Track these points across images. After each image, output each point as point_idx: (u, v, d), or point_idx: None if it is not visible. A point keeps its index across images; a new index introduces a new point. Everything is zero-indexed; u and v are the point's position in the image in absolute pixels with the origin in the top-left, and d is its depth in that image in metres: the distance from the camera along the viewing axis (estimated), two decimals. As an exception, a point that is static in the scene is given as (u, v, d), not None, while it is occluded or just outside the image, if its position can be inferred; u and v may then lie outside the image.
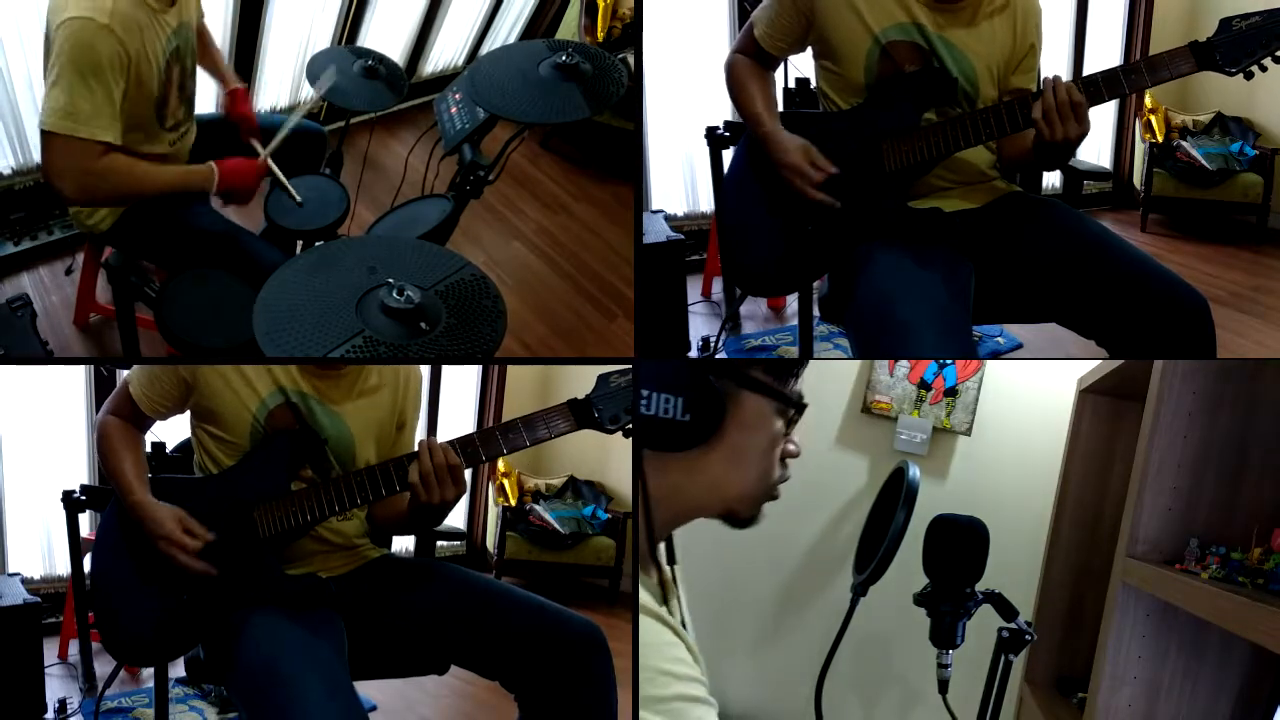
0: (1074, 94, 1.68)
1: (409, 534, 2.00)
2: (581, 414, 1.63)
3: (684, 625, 1.10)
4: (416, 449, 1.62)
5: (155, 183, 1.97)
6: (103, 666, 2.83)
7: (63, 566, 3.45)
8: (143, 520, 1.67)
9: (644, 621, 0.92)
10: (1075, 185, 2.50)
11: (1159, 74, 1.69)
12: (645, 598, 0.94)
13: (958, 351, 1.72)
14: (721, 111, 3.09)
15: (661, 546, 1.11)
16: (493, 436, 1.64)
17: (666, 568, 1.12)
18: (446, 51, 3.98)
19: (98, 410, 1.80)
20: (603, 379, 1.62)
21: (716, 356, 2.88)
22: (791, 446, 1.05)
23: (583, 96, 1.95)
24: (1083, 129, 1.70)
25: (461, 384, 4.47)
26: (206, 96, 2.31)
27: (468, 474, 1.68)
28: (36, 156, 2.85)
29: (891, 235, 1.81)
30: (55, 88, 1.78)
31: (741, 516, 1.05)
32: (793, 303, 3.23)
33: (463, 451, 1.63)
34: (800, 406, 1.04)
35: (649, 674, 0.88)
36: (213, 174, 1.99)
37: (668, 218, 3.05)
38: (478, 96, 1.96)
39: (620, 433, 1.61)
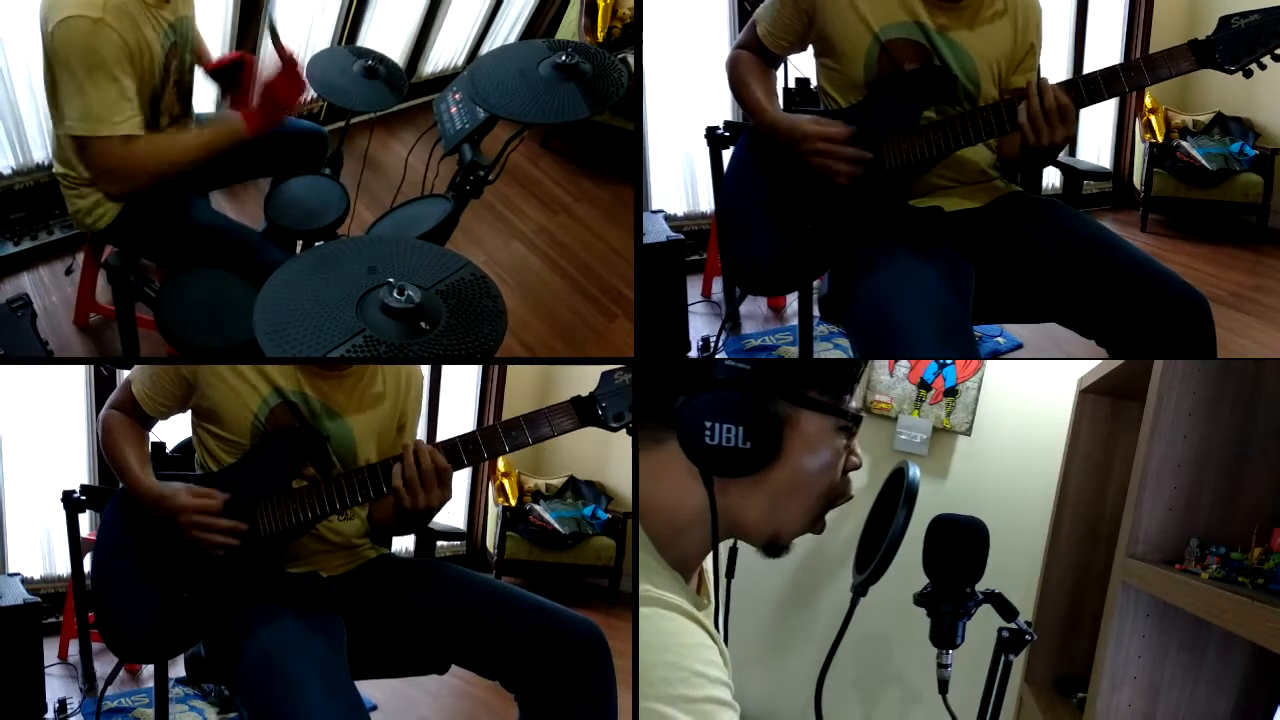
0: (1060, 98, 1.68)
1: (398, 535, 1.99)
2: (585, 411, 1.63)
3: (724, 635, 1.11)
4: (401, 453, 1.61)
5: (187, 153, 1.95)
6: (103, 666, 2.83)
7: (63, 566, 3.44)
8: (155, 501, 1.67)
9: (681, 622, 0.93)
10: (1075, 185, 2.50)
11: (1158, 72, 1.69)
12: (681, 600, 0.95)
13: (958, 352, 1.72)
14: (721, 111, 3.09)
15: (708, 560, 1.12)
16: (495, 434, 1.64)
17: (709, 579, 1.13)
18: (446, 51, 3.98)
19: (98, 410, 1.80)
20: (606, 376, 1.62)
21: (717, 356, 2.88)
22: (855, 459, 1.08)
23: (583, 96, 1.95)
24: (1068, 132, 1.70)
25: (461, 384, 4.46)
26: (204, 99, 2.31)
27: (468, 473, 1.68)
28: (36, 156, 2.85)
29: (891, 234, 1.81)
30: (70, 92, 1.78)
31: (779, 543, 1.06)
32: (793, 303, 3.23)
33: (464, 449, 1.63)
34: (859, 420, 1.07)
35: (683, 673, 0.89)
36: (239, 123, 1.97)
37: (668, 218, 3.05)
38: (478, 96, 1.96)
39: (624, 430, 1.61)
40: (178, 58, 2.00)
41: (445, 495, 1.62)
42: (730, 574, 1.16)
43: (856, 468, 1.08)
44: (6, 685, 2.32)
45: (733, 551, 1.16)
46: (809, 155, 1.84)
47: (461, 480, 4.40)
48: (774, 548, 1.07)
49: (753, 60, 1.98)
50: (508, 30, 4.05)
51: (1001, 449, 2.74)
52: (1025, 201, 1.93)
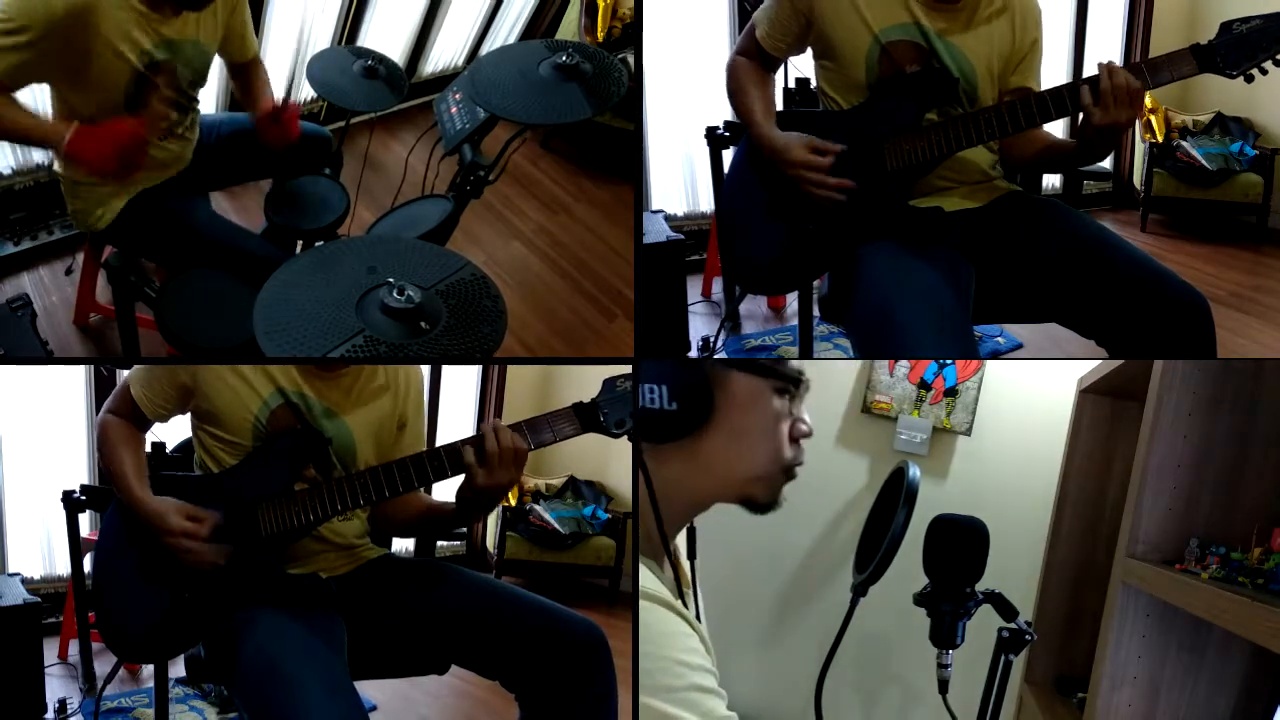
0: (1131, 80, 1.65)
1: (453, 529, 1.94)
2: (587, 418, 1.63)
3: (699, 619, 1.09)
4: (477, 432, 1.58)
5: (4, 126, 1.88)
6: (103, 666, 2.83)
7: (63, 566, 3.45)
8: (144, 517, 1.67)
9: (658, 611, 0.92)
10: (1075, 185, 2.51)
11: (1160, 75, 1.69)
12: (659, 588, 0.94)
13: (958, 352, 1.72)
14: (721, 111, 3.08)
15: (681, 541, 1.10)
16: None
17: (684, 562, 1.12)
18: (446, 51, 3.98)
19: (98, 410, 1.80)
20: (608, 383, 1.62)
21: (716, 356, 2.88)
22: (802, 426, 1.03)
23: (583, 97, 1.95)
24: (1134, 114, 1.67)
25: (461, 384, 4.47)
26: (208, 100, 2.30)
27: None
28: (37, 156, 2.85)
29: (892, 234, 1.81)
30: None
31: (758, 500, 1.03)
32: (793, 302, 3.23)
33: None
34: (797, 381, 1.02)
35: (664, 664, 0.89)
36: (66, 131, 1.86)
37: (668, 218, 3.05)
38: (478, 96, 1.97)
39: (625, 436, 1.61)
40: (167, 74, 1.97)
41: (517, 477, 1.60)
42: (691, 555, 1.14)
43: (806, 435, 1.03)
44: (6, 685, 2.33)
45: (690, 530, 1.13)
46: (796, 180, 1.86)
47: (461, 480, 4.39)
48: (753, 505, 1.03)
49: (750, 68, 1.98)
50: (508, 30, 4.05)
51: (1001, 449, 2.74)
52: (1025, 201, 1.93)
